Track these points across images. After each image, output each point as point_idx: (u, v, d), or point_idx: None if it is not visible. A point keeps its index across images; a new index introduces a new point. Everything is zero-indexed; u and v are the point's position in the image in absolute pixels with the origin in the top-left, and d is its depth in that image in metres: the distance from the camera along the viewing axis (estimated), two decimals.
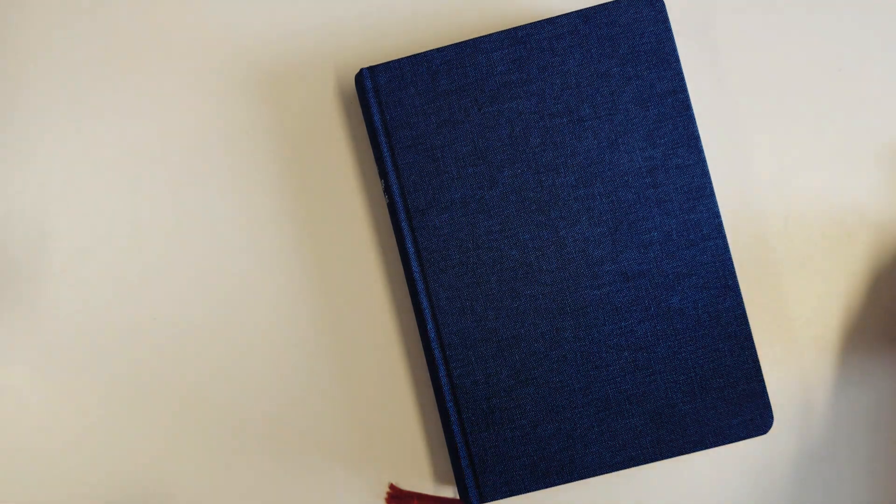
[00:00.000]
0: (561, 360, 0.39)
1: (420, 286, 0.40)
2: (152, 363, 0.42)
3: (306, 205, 0.43)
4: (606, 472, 0.39)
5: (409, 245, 0.40)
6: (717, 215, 0.39)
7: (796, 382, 0.43)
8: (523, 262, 0.40)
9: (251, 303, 0.42)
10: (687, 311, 0.39)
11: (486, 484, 0.39)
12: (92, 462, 0.42)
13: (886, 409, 0.43)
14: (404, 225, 0.40)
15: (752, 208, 0.43)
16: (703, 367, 0.39)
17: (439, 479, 0.42)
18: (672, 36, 0.40)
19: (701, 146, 0.40)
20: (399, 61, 0.40)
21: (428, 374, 0.42)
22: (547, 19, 0.40)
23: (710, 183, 0.39)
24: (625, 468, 0.39)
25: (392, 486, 0.42)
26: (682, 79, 0.40)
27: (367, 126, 0.41)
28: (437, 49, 0.40)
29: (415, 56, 0.40)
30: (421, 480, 0.42)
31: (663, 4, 0.40)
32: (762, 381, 0.39)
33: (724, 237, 0.39)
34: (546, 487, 0.39)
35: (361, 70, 0.40)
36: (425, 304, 0.40)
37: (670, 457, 0.39)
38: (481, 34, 0.43)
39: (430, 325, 0.40)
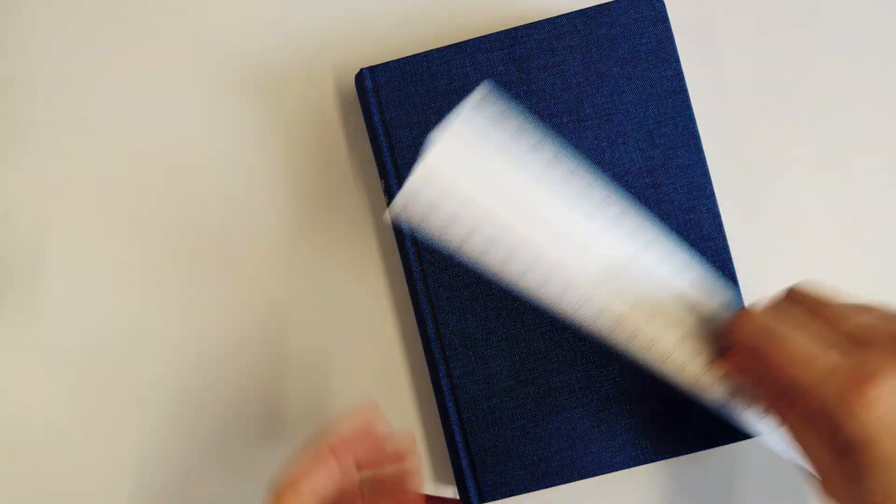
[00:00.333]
0: (561, 360, 0.39)
1: (420, 286, 0.40)
2: (152, 363, 0.42)
3: (306, 205, 0.43)
4: (606, 472, 0.39)
5: (409, 245, 0.40)
6: (717, 215, 0.39)
7: None
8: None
9: (251, 303, 0.42)
10: None
11: (486, 484, 0.39)
12: (92, 461, 0.42)
13: None
14: (404, 225, 0.40)
15: (752, 208, 0.43)
16: None
17: (439, 479, 0.42)
18: (672, 36, 0.40)
19: (701, 146, 0.40)
20: (399, 61, 0.40)
21: (428, 374, 0.42)
22: (547, 19, 0.40)
23: (710, 183, 0.39)
24: (625, 468, 0.39)
25: None
26: (682, 79, 0.40)
27: (367, 126, 0.41)
28: (437, 49, 0.40)
29: (415, 56, 0.40)
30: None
31: (663, 4, 0.40)
32: None
33: (724, 237, 0.39)
34: (546, 487, 0.39)
35: (361, 70, 0.40)
36: (425, 304, 0.40)
37: (670, 457, 0.39)
38: (481, 34, 0.43)
39: (430, 325, 0.40)
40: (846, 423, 0.26)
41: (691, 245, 0.39)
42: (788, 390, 0.29)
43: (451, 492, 0.42)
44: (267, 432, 0.42)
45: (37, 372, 0.42)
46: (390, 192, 0.40)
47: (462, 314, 0.39)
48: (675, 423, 0.39)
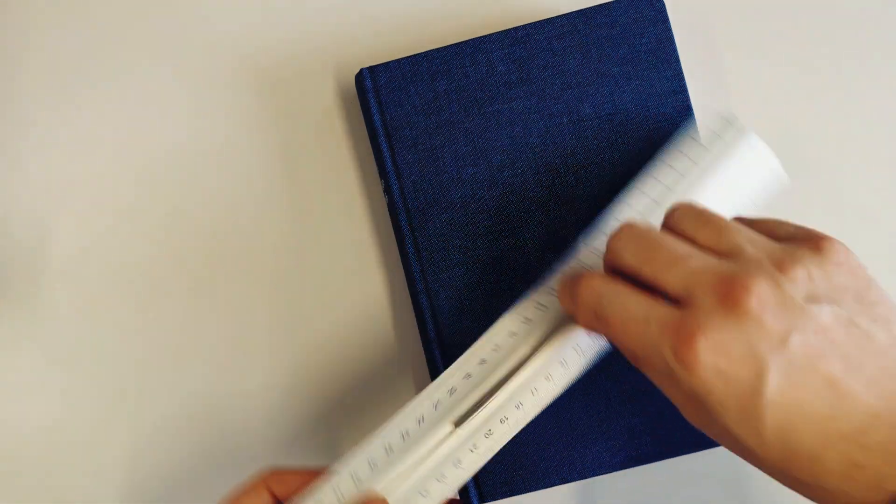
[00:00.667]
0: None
1: (420, 286, 0.40)
2: (152, 364, 0.42)
3: (306, 205, 0.43)
4: (606, 472, 0.39)
5: (409, 245, 0.40)
6: None
7: None
8: (523, 262, 0.40)
9: (251, 302, 0.42)
10: None
11: (486, 484, 0.39)
12: (91, 461, 0.42)
13: None
14: (404, 225, 0.40)
15: None
16: None
17: None
18: (672, 36, 0.40)
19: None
20: (399, 61, 0.40)
21: (428, 375, 0.42)
22: (547, 19, 0.40)
23: None
24: (625, 468, 0.39)
25: None
26: (682, 79, 0.40)
27: (367, 126, 0.41)
28: (437, 49, 0.40)
29: (415, 56, 0.40)
30: None
31: (663, 4, 0.40)
32: None
33: None
34: (546, 487, 0.39)
35: (361, 70, 0.40)
36: (425, 304, 0.40)
37: (670, 457, 0.39)
38: (481, 34, 0.43)
39: (430, 325, 0.40)
40: (683, 378, 0.28)
41: None
42: (633, 355, 0.31)
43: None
44: (267, 432, 0.42)
45: (37, 372, 0.42)
46: (390, 192, 0.40)
47: (462, 314, 0.39)
48: (675, 423, 0.39)
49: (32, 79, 0.43)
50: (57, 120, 0.43)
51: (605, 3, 0.40)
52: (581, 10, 0.40)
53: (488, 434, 0.33)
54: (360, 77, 0.40)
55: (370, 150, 0.43)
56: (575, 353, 0.34)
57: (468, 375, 0.34)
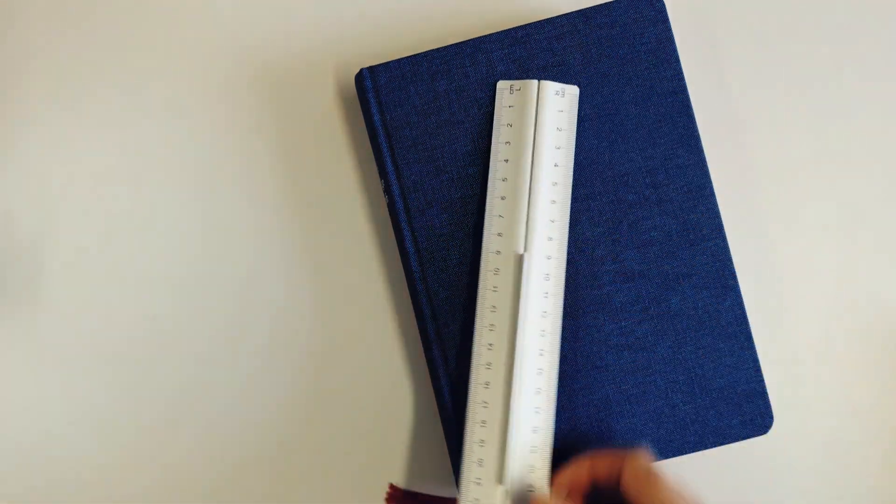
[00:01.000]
0: (561, 360, 0.39)
1: (420, 286, 0.40)
2: (152, 363, 0.42)
3: (306, 205, 0.43)
4: None
5: (409, 245, 0.40)
6: (717, 215, 0.39)
7: (796, 382, 0.43)
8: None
9: (251, 302, 0.42)
10: (687, 312, 0.39)
11: None
12: (91, 460, 0.42)
13: (885, 408, 0.43)
14: (404, 225, 0.40)
15: (752, 208, 0.43)
16: (703, 367, 0.39)
17: (441, 480, 0.42)
18: (672, 36, 0.40)
19: (701, 146, 0.40)
20: (399, 61, 0.40)
21: (428, 374, 0.42)
22: (547, 19, 0.40)
23: (710, 183, 0.39)
24: None
25: (392, 486, 0.42)
26: (682, 79, 0.40)
27: (367, 126, 0.41)
28: (437, 49, 0.40)
29: (415, 56, 0.40)
30: (421, 480, 0.42)
31: (663, 4, 0.40)
32: (762, 381, 0.39)
33: (724, 237, 0.39)
34: None
35: (361, 70, 0.40)
36: (425, 304, 0.40)
37: (670, 457, 0.39)
38: (481, 34, 0.43)
39: (430, 325, 0.40)
40: None
41: (691, 245, 0.39)
42: None
43: (451, 492, 0.42)
44: (265, 432, 0.42)
45: (36, 371, 0.42)
46: (390, 192, 0.40)
47: (462, 314, 0.39)
48: (674, 423, 0.39)
49: (32, 79, 0.43)
50: (57, 120, 0.43)
51: (605, 3, 0.40)
52: (581, 10, 0.40)
53: (538, 391, 0.37)
54: (360, 77, 0.40)
55: (370, 150, 0.43)
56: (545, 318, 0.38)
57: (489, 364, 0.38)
